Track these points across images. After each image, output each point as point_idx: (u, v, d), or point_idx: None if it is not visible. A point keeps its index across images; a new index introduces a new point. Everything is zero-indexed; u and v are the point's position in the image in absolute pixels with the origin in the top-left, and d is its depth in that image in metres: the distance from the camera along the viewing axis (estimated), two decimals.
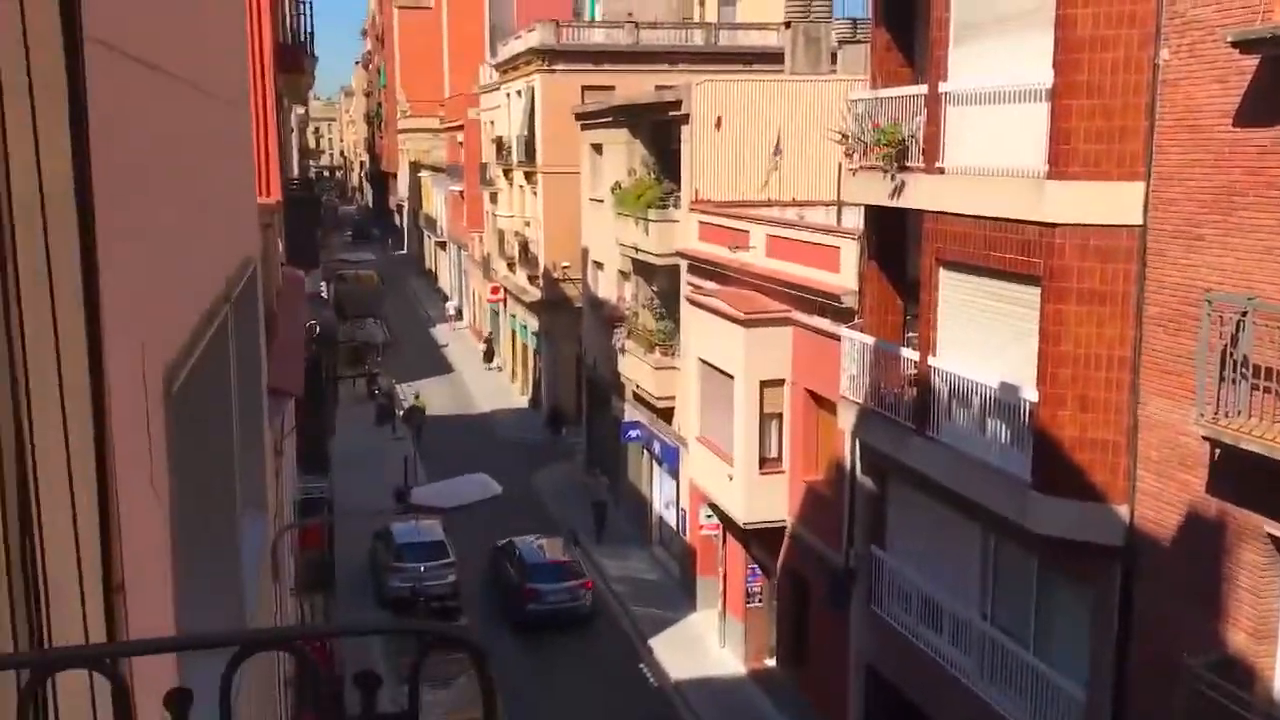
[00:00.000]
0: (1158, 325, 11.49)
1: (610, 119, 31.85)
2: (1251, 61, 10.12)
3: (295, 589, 14.94)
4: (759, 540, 22.40)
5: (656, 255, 26.98)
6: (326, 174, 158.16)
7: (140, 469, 3.31)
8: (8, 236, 2.07)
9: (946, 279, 14.51)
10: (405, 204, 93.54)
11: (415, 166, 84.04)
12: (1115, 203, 11.78)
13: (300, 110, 35.43)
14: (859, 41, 29.21)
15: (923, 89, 14.78)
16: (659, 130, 28.63)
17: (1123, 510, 12.04)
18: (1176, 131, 11.11)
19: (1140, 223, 11.64)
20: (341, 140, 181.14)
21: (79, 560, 2.41)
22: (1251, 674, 10.42)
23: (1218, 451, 10.62)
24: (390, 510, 26.97)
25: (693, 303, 23.96)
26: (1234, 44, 10.04)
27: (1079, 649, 12.99)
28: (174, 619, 3.93)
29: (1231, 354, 10.19)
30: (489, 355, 52.83)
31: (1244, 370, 10.15)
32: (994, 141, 13.35)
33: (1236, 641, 10.60)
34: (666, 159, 28.26)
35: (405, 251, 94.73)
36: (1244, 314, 10.08)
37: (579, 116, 35.31)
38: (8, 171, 2.08)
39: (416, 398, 41.94)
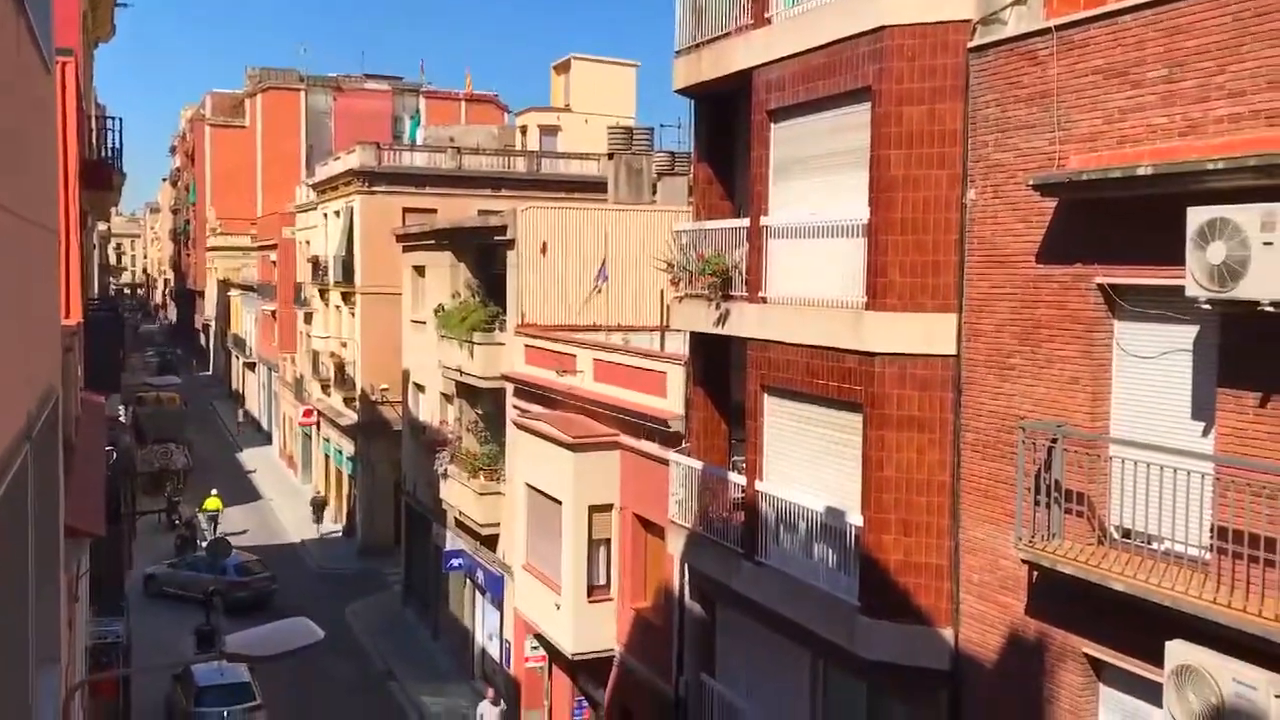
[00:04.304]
0: (975, 451, 11.92)
1: (433, 241, 31.68)
2: (1050, 204, 10.83)
3: None
4: (587, 671, 21.85)
5: (481, 378, 26.68)
6: (128, 291, 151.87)
7: None
8: None
9: (771, 404, 14.77)
10: (213, 324, 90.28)
11: (224, 285, 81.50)
12: (931, 333, 12.27)
13: (103, 226, 33.92)
14: (678, 174, 30.28)
15: (745, 222, 15.22)
16: (484, 254, 28.62)
17: (948, 634, 12.25)
18: (985, 266, 11.72)
19: (955, 353, 12.15)
20: (145, 257, 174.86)
21: None
22: None
23: (1036, 574, 10.98)
24: (192, 655, 25.19)
25: (519, 426, 23.67)
26: (1035, 187, 10.73)
27: None
28: None
29: (1045, 479, 10.63)
30: (319, 512, 45.95)
31: (1057, 495, 10.59)
32: (815, 273, 13.78)
33: None
34: (491, 282, 28.22)
35: (211, 373, 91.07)
36: (1055, 440, 10.56)
37: (400, 238, 35.02)
38: None
39: (213, 493, 42.40)
